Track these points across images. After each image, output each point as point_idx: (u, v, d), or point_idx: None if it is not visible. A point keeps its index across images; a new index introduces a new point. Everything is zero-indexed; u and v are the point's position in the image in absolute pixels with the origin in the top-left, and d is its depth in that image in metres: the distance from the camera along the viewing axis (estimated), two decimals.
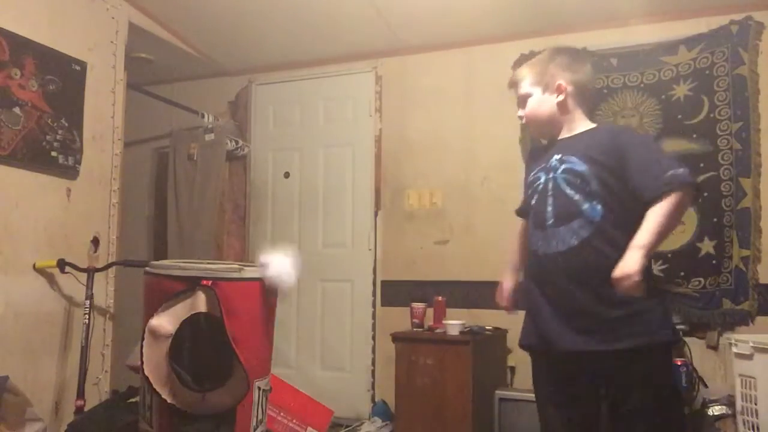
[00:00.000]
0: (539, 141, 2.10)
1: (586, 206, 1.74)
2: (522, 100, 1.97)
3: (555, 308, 1.77)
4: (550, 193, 1.82)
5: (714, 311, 3.19)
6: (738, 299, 3.16)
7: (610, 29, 3.53)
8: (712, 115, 3.28)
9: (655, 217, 1.63)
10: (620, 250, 1.64)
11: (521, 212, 2.09)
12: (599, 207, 1.73)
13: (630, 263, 1.59)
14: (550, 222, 1.79)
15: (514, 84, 2.00)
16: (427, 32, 3.78)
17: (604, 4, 3.36)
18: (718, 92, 3.28)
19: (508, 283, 2.06)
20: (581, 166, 1.77)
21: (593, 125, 1.92)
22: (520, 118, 2.00)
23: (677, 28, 3.40)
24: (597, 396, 1.80)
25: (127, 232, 3.89)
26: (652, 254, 1.66)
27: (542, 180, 1.87)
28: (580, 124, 1.91)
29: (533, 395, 1.96)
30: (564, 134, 1.93)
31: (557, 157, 1.85)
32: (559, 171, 1.82)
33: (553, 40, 3.60)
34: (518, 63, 3.68)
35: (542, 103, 1.93)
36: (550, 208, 1.81)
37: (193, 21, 3.76)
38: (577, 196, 1.76)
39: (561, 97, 1.90)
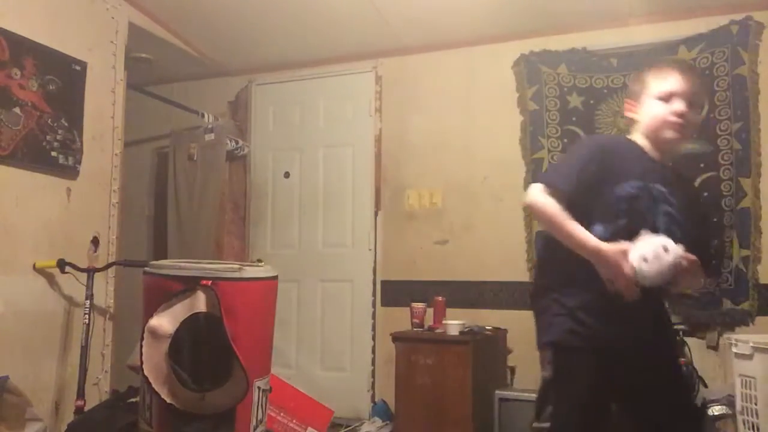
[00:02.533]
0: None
1: None
2: (696, 106, 1.82)
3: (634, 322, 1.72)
4: (648, 225, 1.68)
5: (714, 311, 3.19)
6: (738, 299, 3.16)
7: (610, 29, 3.53)
8: (712, 115, 3.28)
9: None
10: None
11: (566, 194, 1.71)
12: None
13: None
14: None
15: (689, 92, 1.78)
16: (427, 32, 3.78)
17: (604, 4, 3.36)
18: (718, 92, 3.28)
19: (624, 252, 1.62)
20: (680, 220, 1.73)
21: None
22: (681, 115, 1.75)
23: (677, 28, 3.40)
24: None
25: (127, 232, 3.89)
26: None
27: (644, 207, 1.71)
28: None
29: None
30: (661, 157, 1.81)
31: (662, 189, 1.74)
32: (662, 208, 1.73)
33: (553, 40, 3.62)
34: (518, 63, 3.70)
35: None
36: None
37: (193, 21, 3.76)
38: None
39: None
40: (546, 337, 1.77)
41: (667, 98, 1.77)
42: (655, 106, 1.79)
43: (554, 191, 1.71)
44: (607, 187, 1.71)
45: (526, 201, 1.78)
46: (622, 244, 1.60)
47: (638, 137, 1.83)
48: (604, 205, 1.71)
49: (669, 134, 1.77)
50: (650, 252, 1.56)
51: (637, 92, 1.84)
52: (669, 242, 1.58)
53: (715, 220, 3.22)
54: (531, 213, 1.82)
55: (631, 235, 1.62)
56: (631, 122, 1.85)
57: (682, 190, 1.82)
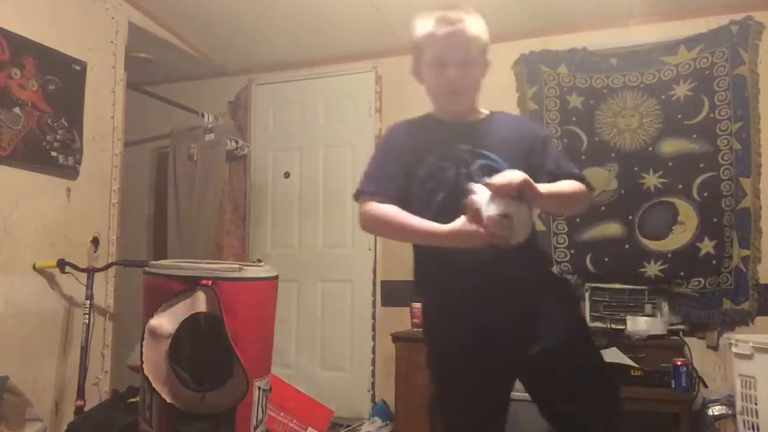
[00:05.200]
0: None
1: None
2: (464, 62, 1.58)
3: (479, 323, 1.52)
4: (463, 189, 1.46)
5: (714, 311, 3.19)
6: (738, 299, 3.16)
7: (610, 29, 3.53)
8: (712, 115, 3.28)
9: (566, 185, 1.52)
10: (537, 257, 1.61)
11: (390, 197, 1.56)
12: None
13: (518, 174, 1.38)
14: None
15: (460, 42, 1.56)
16: None
17: (604, 4, 3.36)
18: (718, 92, 3.27)
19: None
20: (500, 164, 1.53)
21: (486, 111, 1.69)
22: (453, 82, 1.57)
23: (677, 28, 3.40)
24: None
25: (127, 232, 3.89)
26: (534, 201, 1.43)
27: (451, 173, 1.54)
28: (477, 107, 1.69)
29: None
30: (461, 117, 1.65)
31: (465, 147, 1.56)
32: (474, 167, 1.54)
33: (553, 40, 3.62)
34: (518, 63, 3.69)
35: (481, 74, 1.63)
36: None
37: (193, 21, 3.76)
38: None
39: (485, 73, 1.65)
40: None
41: (437, 66, 1.59)
42: (428, 74, 1.62)
43: (379, 199, 1.56)
44: (414, 173, 1.58)
45: (361, 227, 1.63)
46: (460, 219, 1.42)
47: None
48: (416, 191, 1.57)
49: (450, 101, 1.63)
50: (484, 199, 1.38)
51: (415, 58, 1.67)
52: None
53: (715, 220, 3.23)
54: (374, 233, 1.69)
55: (451, 206, 1.46)
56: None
57: (502, 132, 1.63)
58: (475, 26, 1.60)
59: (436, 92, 1.63)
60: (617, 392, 1.58)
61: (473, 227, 1.37)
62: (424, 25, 1.61)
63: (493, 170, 1.46)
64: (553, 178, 1.53)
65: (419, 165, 1.58)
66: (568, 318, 1.60)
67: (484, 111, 1.69)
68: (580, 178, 1.57)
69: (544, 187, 1.42)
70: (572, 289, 1.67)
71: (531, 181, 1.37)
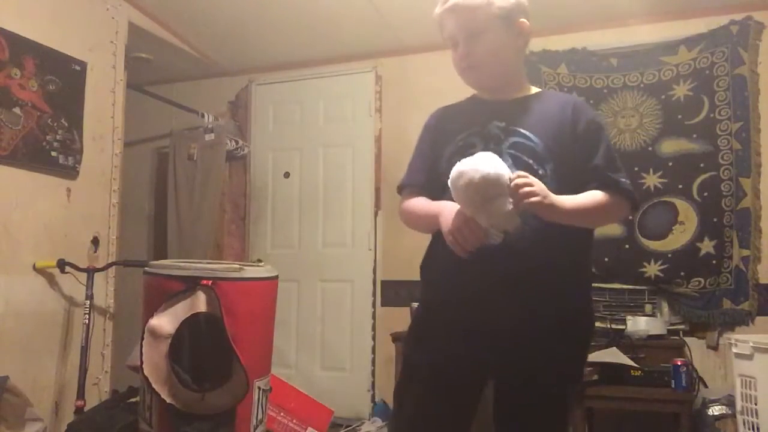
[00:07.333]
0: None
1: None
2: (471, 35, 1.46)
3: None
4: None
5: (714, 311, 3.19)
6: (738, 299, 3.16)
7: (610, 29, 3.53)
8: (712, 115, 3.28)
9: (594, 197, 1.39)
10: (569, 250, 1.44)
11: (419, 187, 1.56)
12: None
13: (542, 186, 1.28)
14: None
15: (459, 16, 1.46)
16: (427, 32, 3.77)
17: (604, 4, 3.36)
18: (718, 92, 3.28)
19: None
20: (536, 143, 1.40)
21: (537, 89, 1.57)
22: (461, 59, 1.49)
23: (677, 28, 3.40)
24: None
25: (127, 232, 3.89)
26: (558, 218, 1.32)
27: (478, 150, 1.36)
28: (525, 84, 1.56)
29: None
30: (502, 95, 1.53)
31: (499, 124, 1.45)
32: (506, 144, 1.41)
33: (554, 40, 3.62)
34: None
35: (505, 43, 1.48)
36: None
37: (193, 21, 3.76)
38: None
39: (521, 42, 1.51)
40: None
41: (451, 45, 1.52)
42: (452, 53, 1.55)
43: (411, 191, 1.58)
44: (442, 152, 1.50)
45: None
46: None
47: None
48: (443, 170, 1.40)
49: (466, 78, 1.55)
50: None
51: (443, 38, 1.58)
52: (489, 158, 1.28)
53: (715, 220, 3.23)
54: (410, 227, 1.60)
55: None
56: None
57: (547, 109, 1.48)
58: None
59: (457, 71, 1.55)
60: None
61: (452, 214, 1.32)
62: (436, 6, 1.53)
63: (527, 148, 1.38)
64: (595, 178, 1.41)
65: (449, 144, 1.49)
66: (560, 356, 1.42)
67: (534, 88, 1.56)
68: (622, 191, 1.42)
69: (568, 204, 1.32)
70: (588, 326, 1.53)
71: (553, 205, 1.28)
